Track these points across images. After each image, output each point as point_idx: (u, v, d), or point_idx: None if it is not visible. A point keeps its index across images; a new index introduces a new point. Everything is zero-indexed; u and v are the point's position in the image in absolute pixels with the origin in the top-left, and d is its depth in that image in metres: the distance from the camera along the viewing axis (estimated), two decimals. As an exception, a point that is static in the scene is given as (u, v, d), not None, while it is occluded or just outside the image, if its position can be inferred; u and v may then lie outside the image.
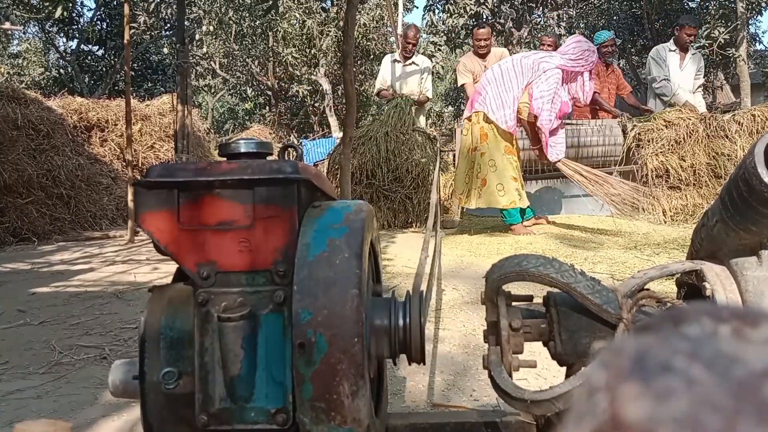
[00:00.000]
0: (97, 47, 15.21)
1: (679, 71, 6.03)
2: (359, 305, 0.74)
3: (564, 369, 0.97)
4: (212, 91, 19.44)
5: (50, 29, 15.49)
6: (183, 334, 0.80)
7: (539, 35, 11.02)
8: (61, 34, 15.29)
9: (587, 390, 0.22)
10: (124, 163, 7.12)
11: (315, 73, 14.75)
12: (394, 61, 6.49)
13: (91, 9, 20.90)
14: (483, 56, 5.88)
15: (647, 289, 0.94)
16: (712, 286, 0.92)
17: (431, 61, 8.79)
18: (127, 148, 5.64)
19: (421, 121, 6.45)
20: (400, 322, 0.86)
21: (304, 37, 14.37)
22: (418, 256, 1.35)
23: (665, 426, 0.19)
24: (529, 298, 0.99)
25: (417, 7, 44.59)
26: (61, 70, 16.75)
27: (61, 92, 8.18)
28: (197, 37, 15.27)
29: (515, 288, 1.02)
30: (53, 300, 3.07)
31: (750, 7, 10.94)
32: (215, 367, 0.78)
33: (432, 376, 1.86)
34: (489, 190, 4.46)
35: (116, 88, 13.94)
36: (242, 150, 0.86)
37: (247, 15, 15.00)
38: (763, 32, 36.55)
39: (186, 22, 7.87)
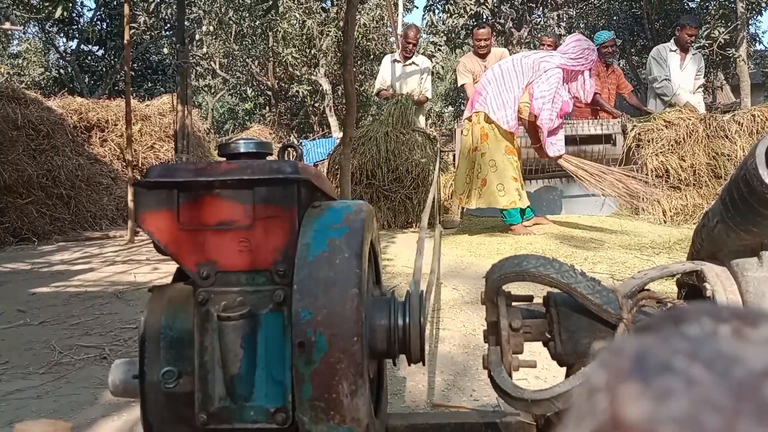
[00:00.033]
0: (97, 47, 15.21)
1: (680, 71, 6.03)
2: (359, 305, 0.74)
3: (564, 369, 0.97)
4: (212, 91, 19.44)
5: (50, 29, 15.50)
6: (183, 334, 0.80)
7: (539, 35, 11.02)
8: (61, 34, 15.29)
9: (587, 390, 0.22)
10: (124, 163, 7.12)
11: (315, 73, 14.75)
12: (394, 61, 6.49)
13: (91, 9, 20.93)
14: (483, 56, 5.88)
15: (647, 290, 0.94)
16: (712, 286, 0.92)
17: (431, 61, 8.79)
18: (127, 148, 5.64)
19: (421, 121, 6.45)
20: (400, 321, 0.86)
21: (304, 37, 14.37)
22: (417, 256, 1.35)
23: (665, 426, 0.19)
24: (529, 298, 0.99)
25: (417, 7, 44.59)
26: (61, 70, 16.76)
27: (61, 92, 8.18)
28: (197, 37, 15.27)
29: (515, 288, 1.01)
30: (53, 300, 3.07)
31: (750, 7, 10.94)
32: (215, 367, 0.78)
33: (432, 376, 1.86)
34: (489, 190, 4.46)
35: (116, 88, 13.94)
36: (242, 150, 0.86)
37: (247, 15, 15.01)
38: (763, 32, 36.56)
39: (186, 22, 7.87)
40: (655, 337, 0.23)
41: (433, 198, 2.91)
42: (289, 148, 1.15)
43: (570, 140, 5.32)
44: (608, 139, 5.54)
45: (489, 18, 12.46)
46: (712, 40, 10.22)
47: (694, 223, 1.21)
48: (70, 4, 8.83)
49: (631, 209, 5.43)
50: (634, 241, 4.19)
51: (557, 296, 0.95)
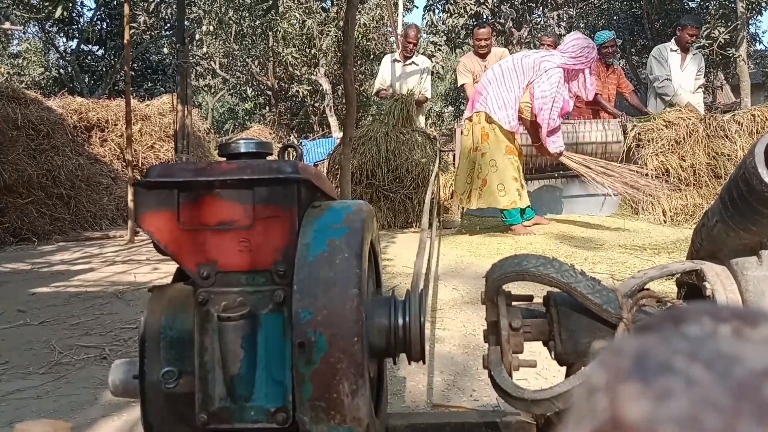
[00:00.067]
0: (97, 47, 15.22)
1: (680, 71, 6.03)
2: (359, 305, 0.74)
3: (564, 369, 0.97)
4: (212, 91, 19.45)
5: (50, 29, 15.50)
6: (183, 334, 0.80)
7: (539, 35, 11.02)
8: (61, 34, 15.30)
9: (587, 390, 0.22)
10: (124, 163, 7.12)
11: (315, 73, 14.75)
12: (394, 60, 6.49)
13: (91, 9, 20.93)
14: (483, 56, 5.88)
15: (647, 289, 0.94)
16: (712, 286, 0.92)
17: (431, 61, 8.80)
18: (127, 148, 5.64)
19: (421, 120, 6.45)
20: (400, 321, 0.86)
21: (304, 37, 14.37)
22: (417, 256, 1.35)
23: (665, 426, 0.19)
24: (529, 298, 0.99)
25: (417, 7, 44.59)
26: (61, 70, 16.76)
27: (61, 92, 8.18)
28: (197, 37, 15.28)
29: (515, 288, 1.02)
30: (53, 300, 3.07)
31: (750, 7, 10.94)
32: (215, 367, 0.78)
33: (432, 376, 1.86)
34: (489, 190, 4.46)
35: (116, 88, 13.94)
36: (242, 150, 0.86)
37: (247, 15, 15.01)
38: (763, 32, 36.56)
39: (186, 22, 7.87)
40: (655, 337, 0.23)
41: (431, 198, 2.91)
42: (289, 148, 1.15)
43: (570, 140, 5.33)
44: (608, 137, 5.53)
45: (489, 18, 12.46)
46: (712, 40, 10.22)
47: (694, 223, 1.20)
48: (70, 4, 8.84)
49: (631, 209, 5.43)
50: (634, 241, 4.19)
51: (557, 296, 0.95)
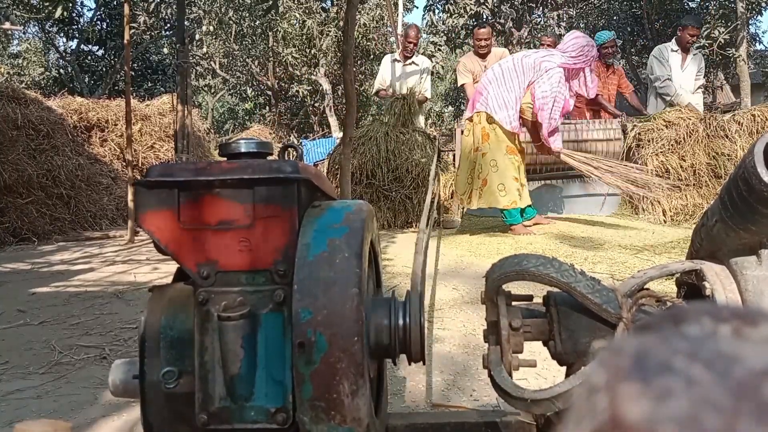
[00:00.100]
0: (97, 47, 15.22)
1: (681, 72, 6.03)
2: (359, 305, 0.74)
3: (564, 368, 0.97)
4: (212, 91, 19.45)
5: (50, 29, 15.50)
6: (183, 334, 0.80)
7: (539, 35, 11.03)
8: (61, 34, 15.29)
9: (587, 390, 0.22)
10: (124, 163, 7.12)
11: (315, 73, 14.75)
12: (394, 60, 6.49)
13: (91, 9, 20.93)
14: (483, 56, 5.88)
15: (647, 289, 0.94)
16: (711, 285, 0.92)
17: (431, 61, 8.80)
18: (127, 148, 5.64)
19: (420, 120, 6.45)
20: (400, 321, 0.86)
21: (304, 37, 14.37)
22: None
23: (665, 426, 0.19)
24: (529, 298, 0.99)
25: (417, 7, 44.59)
26: (61, 70, 16.76)
27: (61, 92, 8.18)
28: (197, 37, 15.28)
29: (515, 288, 1.02)
30: (53, 300, 3.07)
31: (750, 7, 10.94)
32: (215, 367, 0.78)
33: (432, 376, 1.86)
34: (490, 190, 4.46)
35: (116, 88, 13.94)
36: (242, 150, 0.86)
37: (247, 15, 15.01)
38: (763, 32, 36.56)
39: (186, 22, 7.87)
40: (655, 337, 0.23)
41: (431, 198, 2.91)
42: (289, 148, 1.15)
43: (571, 140, 5.33)
44: (609, 137, 5.53)
45: (489, 18, 12.47)
46: (712, 40, 10.22)
47: (694, 223, 1.20)
48: (70, 4, 8.84)
49: (631, 209, 5.43)
50: (634, 241, 4.19)
51: (557, 295, 0.95)
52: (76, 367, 2.10)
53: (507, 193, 4.42)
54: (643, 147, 5.41)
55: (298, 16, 14.12)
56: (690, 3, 13.12)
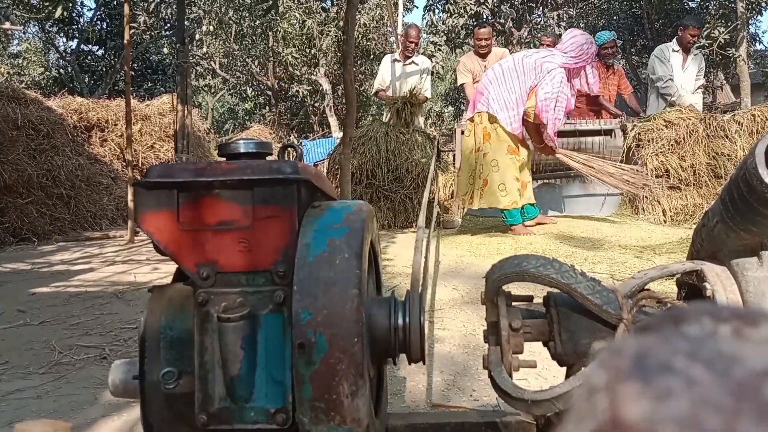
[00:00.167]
0: (97, 47, 15.21)
1: (682, 72, 6.03)
2: (359, 305, 0.74)
3: (564, 369, 0.97)
4: (212, 91, 19.44)
5: (50, 29, 15.50)
6: (183, 334, 0.80)
7: (539, 35, 11.03)
8: (61, 34, 15.29)
9: (587, 390, 0.22)
10: (124, 163, 7.12)
11: (315, 73, 14.75)
12: (394, 60, 6.49)
13: (91, 9, 20.92)
14: (483, 56, 5.88)
15: (647, 290, 0.94)
16: (712, 286, 0.92)
17: (431, 61, 8.80)
18: (127, 148, 5.64)
19: (420, 121, 6.45)
20: (400, 321, 0.86)
21: (304, 37, 14.37)
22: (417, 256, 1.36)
23: (665, 426, 0.19)
24: (529, 299, 0.99)
25: (417, 7, 44.60)
26: (61, 70, 16.76)
27: (61, 92, 8.18)
28: (197, 37, 15.28)
29: (515, 288, 1.02)
30: (53, 300, 3.07)
31: (750, 7, 10.94)
32: (215, 367, 0.78)
33: (432, 376, 1.86)
34: (491, 190, 4.46)
35: (116, 88, 13.94)
36: (242, 150, 0.86)
37: (247, 15, 15.01)
38: (763, 32, 36.57)
39: (186, 22, 7.87)
40: (655, 337, 0.23)
41: (428, 198, 2.91)
42: (289, 148, 1.15)
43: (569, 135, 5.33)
44: (608, 132, 5.54)
45: (489, 18, 12.47)
46: (712, 40, 10.22)
47: (694, 223, 1.21)
48: (70, 4, 8.84)
49: (631, 209, 5.43)
50: (634, 241, 4.19)
51: (557, 296, 0.95)
52: (76, 367, 2.10)
53: (508, 193, 4.43)
54: (643, 147, 5.41)
55: (298, 16, 14.12)
56: (690, 3, 13.12)
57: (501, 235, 4.58)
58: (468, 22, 12.49)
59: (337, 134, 11.76)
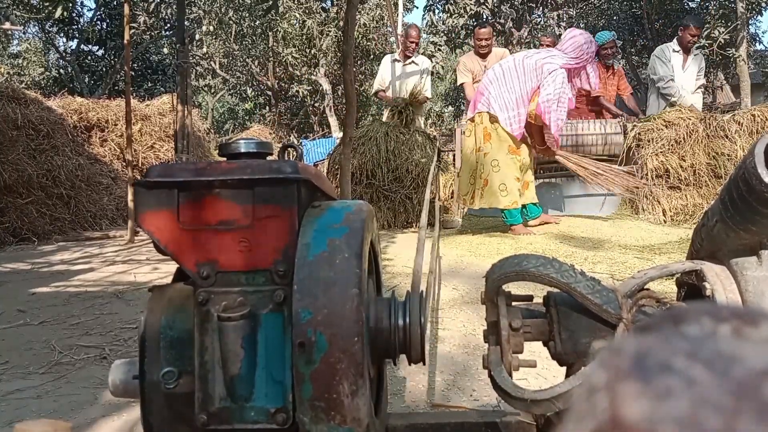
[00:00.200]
0: (97, 47, 15.21)
1: (682, 72, 6.02)
2: (359, 305, 0.74)
3: (564, 369, 0.97)
4: (212, 91, 19.44)
5: (50, 29, 15.49)
6: (183, 334, 0.80)
7: (539, 35, 11.03)
8: (61, 34, 15.29)
9: (587, 390, 0.22)
10: (124, 163, 7.12)
11: (315, 73, 14.75)
12: (394, 60, 6.49)
13: (91, 9, 20.94)
14: (484, 56, 5.88)
15: (647, 289, 0.94)
16: (712, 286, 0.92)
17: (431, 61, 8.79)
18: (127, 148, 5.64)
19: (420, 121, 6.45)
20: (400, 321, 0.86)
21: (304, 37, 14.37)
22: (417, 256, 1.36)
23: (665, 426, 0.19)
24: (529, 298, 0.99)
25: (417, 7, 44.61)
26: (61, 70, 16.75)
27: (61, 92, 8.17)
28: (197, 37, 15.28)
29: (515, 288, 1.02)
30: (53, 300, 3.07)
31: (750, 7, 10.94)
32: (215, 367, 0.78)
33: (432, 376, 1.86)
34: (491, 191, 4.46)
35: (116, 88, 13.94)
36: (242, 150, 0.86)
37: (247, 15, 15.01)
38: (763, 32, 36.57)
39: (186, 22, 7.87)
40: (655, 337, 0.23)
41: (430, 198, 2.91)
42: (289, 148, 1.15)
43: (571, 140, 5.34)
44: (608, 133, 5.54)
45: (489, 18, 12.47)
46: (712, 40, 10.22)
47: (694, 223, 1.21)
48: (70, 4, 8.84)
49: (631, 209, 5.43)
50: (634, 241, 4.19)
51: (557, 296, 0.95)
52: (76, 367, 2.10)
53: (508, 193, 4.43)
54: (643, 147, 5.41)
55: (298, 16, 14.12)
56: (690, 3, 13.11)
57: (501, 235, 4.58)
58: (468, 22, 12.49)
59: (337, 134, 11.76)
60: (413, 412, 1.56)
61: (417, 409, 1.65)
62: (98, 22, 14.68)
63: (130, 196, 5.06)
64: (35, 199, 5.89)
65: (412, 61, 6.41)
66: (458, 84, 6.19)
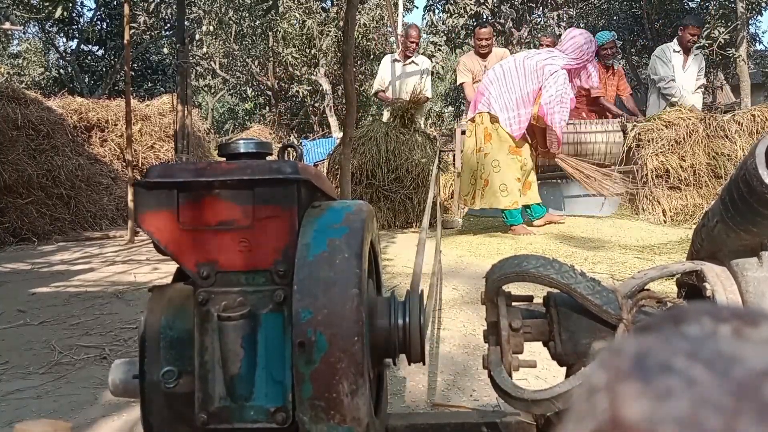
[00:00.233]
0: (97, 47, 15.21)
1: (683, 72, 6.02)
2: (359, 305, 0.74)
3: (564, 369, 0.97)
4: (212, 91, 19.44)
5: (50, 29, 15.49)
6: (183, 334, 0.80)
7: (539, 35, 11.03)
8: (61, 34, 15.29)
9: (587, 390, 0.22)
10: (124, 163, 7.12)
11: (315, 73, 14.75)
12: (394, 60, 6.49)
13: (91, 9, 20.93)
14: (484, 56, 5.88)
15: (647, 290, 0.94)
16: (712, 286, 0.92)
17: (431, 61, 8.79)
18: (127, 148, 5.64)
19: (420, 121, 6.45)
20: (400, 321, 0.86)
21: (304, 37, 14.37)
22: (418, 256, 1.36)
23: (665, 426, 0.19)
24: (529, 299, 0.99)
25: (417, 7, 44.61)
26: (61, 70, 16.75)
27: (61, 92, 8.17)
28: (197, 37, 15.28)
29: (515, 288, 1.02)
30: (53, 300, 3.07)
31: (750, 7, 10.94)
32: (215, 366, 0.78)
33: (432, 376, 1.86)
34: (491, 191, 4.47)
35: (116, 88, 13.94)
36: (242, 150, 0.86)
37: (247, 15, 15.01)
38: (763, 32, 36.57)
39: (186, 22, 7.87)
40: (655, 337, 0.23)
41: (433, 198, 2.92)
42: (289, 148, 1.15)
43: (571, 140, 5.34)
44: (609, 133, 5.54)
45: (489, 18, 12.47)
46: (712, 40, 10.22)
47: (694, 223, 1.21)
48: (70, 4, 8.84)
49: (631, 209, 5.43)
50: (634, 241, 4.19)
51: (557, 296, 0.95)
52: (76, 367, 2.10)
53: (509, 193, 4.43)
54: (642, 147, 5.41)
55: (298, 16, 14.12)
56: (690, 3, 13.11)
57: (501, 235, 4.58)
58: (468, 22, 12.49)
59: (337, 134, 11.76)
60: (413, 412, 1.56)
61: (417, 409, 1.65)
62: (98, 22, 14.68)
63: (130, 196, 5.06)
64: (35, 199, 5.89)
65: (412, 61, 6.40)
66: (458, 84, 6.18)
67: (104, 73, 14.67)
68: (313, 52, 14.43)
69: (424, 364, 0.91)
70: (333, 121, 14.29)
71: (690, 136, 5.39)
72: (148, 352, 0.80)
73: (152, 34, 14.57)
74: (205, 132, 10.18)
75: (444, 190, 6.43)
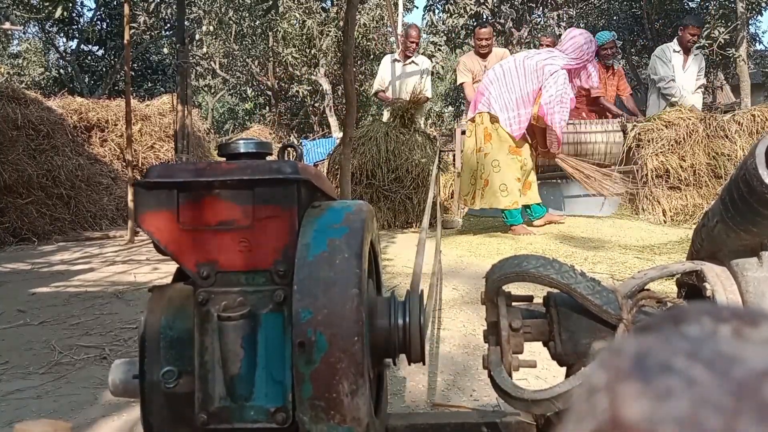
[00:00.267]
0: (97, 47, 15.21)
1: (683, 72, 6.02)
2: (359, 305, 0.74)
3: (564, 369, 0.97)
4: (212, 91, 19.44)
5: (50, 29, 15.49)
6: (183, 334, 0.80)
7: (539, 35, 11.03)
8: (61, 34, 15.29)
9: (587, 390, 0.22)
10: (124, 163, 7.12)
11: (315, 73, 14.75)
12: (394, 60, 6.49)
13: (91, 9, 20.94)
14: (484, 56, 5.89)
15: (647, 290, 0.94)
16: (712, 286, 0.92)
17: (431, 61, 8.79)
18: (127, 148, 5.64)
19: (420, 121, 6.45)
20: (400, 321, 0.86)
21: (304, 37, 14.37)
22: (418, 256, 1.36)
23: (665, 426, 0.19)
24: (529, 299, 0.99)
25: (417, 7, 44.62)
26: (61, 70, 16.75)
27: (61, 92, 8.17)
28: (197, 37, 15.28)
29: (515, 288, 1.02)
30: (53, 300, 3.07)
31: (750, 7, 10.94)
32: (215, 366, 0.78)
33: (432, 376, 1.86)
34: (491, 191, 4.47)
35: (116, 88, 13.94)
36: (242, 150, 0.86)
37: (247, 15, 15.01)
38: (763, 32, 36.56)
39: (186, 22, 7.87)
40: (655, 337, 0.23)
41: (433, 198, 2.92)
42: (289, 148, 1.15)
43: (571, 140, 5.34)
44: (609, 133, 5.54)
45: (489, 18, 12.47)
46: (712, 40, 10.22)
47: (694, 223, 1.21)
48: (70, 4, 8.84)
49: (631, 209, 5.43)
50: (634, 241, 4.19)
51: (557, 296, 0.95)
52: (76, 367, 2.10)
53: (509, 193, 4.43)
54: (642, 147, 5.41)
55: (298, 16, 14.12)
56: (690, 3, 13.11)
57: (501, 235, 4.58)
58: (468, 22, 12.49)
59: (337, 134, 11.76)
60: (413, 412, 1.56)
61: (417, 409, 1.65)
62: (98, 22, 14.68)
63: (130, 196, 5.06)
64: (35, 199, 5.89)
65: (412, 61, 6.40)
66: (458, 84, 6.18)
67: (104, 73, 14.68)
68: (313, 52, 14.43)
69: (424, 364, 0.91)
70: (333, 121, 14.29)
71: (690, 136, 5.39)
72: (148, 352, 0.80)
73: (152, 34, 14.57)
74: (205, 132, 10.18)
75: (444, 190, 6.43)
